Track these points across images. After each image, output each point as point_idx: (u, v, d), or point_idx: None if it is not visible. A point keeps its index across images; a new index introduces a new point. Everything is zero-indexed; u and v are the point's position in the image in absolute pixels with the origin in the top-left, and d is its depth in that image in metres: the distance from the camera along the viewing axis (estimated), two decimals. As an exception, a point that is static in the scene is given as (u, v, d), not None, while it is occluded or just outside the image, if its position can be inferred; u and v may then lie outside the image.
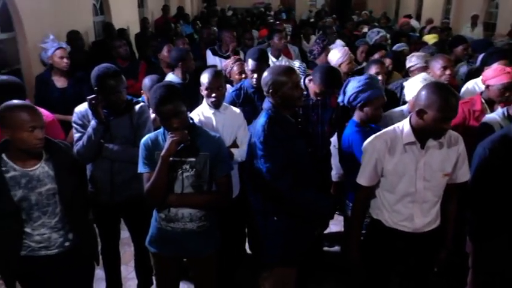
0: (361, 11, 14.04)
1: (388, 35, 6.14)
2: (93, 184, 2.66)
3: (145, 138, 2.26)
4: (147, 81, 3.18)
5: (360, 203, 2.26)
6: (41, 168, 2.08)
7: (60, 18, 5.17)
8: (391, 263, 2.25)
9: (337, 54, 3.93)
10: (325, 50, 4.30)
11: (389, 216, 2.18)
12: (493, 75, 2.96)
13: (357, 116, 2.62)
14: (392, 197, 2.14)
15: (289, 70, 2.34)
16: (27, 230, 2.10)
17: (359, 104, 2.56)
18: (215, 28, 6.88)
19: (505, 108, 2.70)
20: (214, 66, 4.94)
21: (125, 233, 3.01)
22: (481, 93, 3.09)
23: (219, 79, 2.78)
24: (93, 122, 2.48)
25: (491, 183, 2.15)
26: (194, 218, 2.24)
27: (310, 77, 3.06)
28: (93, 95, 2.46)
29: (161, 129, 2.24)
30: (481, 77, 3.13)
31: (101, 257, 2.70)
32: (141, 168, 2.24)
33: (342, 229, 3.42)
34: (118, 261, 2.99)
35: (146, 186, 2.18)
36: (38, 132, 1.99)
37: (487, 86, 3.00)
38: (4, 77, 2.71)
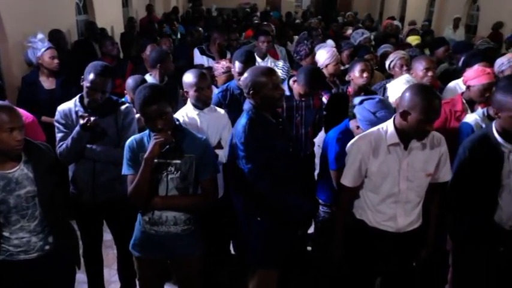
0: (346, 13, 14.13)
1: (372, 36, 6.20)
2: (75, 185, 2.62)
3: (130, 140, 2.24)
4: (130, 81, 3.14)
5: (344, 203, 2.27)
6: (20, 171, 2.03)
7: (42, 17, 5.07)
8: (373, 263, 2.27)
9: (324, 55, 3.95)
10: (312, 51, 4.31)
11: (373, 216, 2.19)
12: (474, 76, 3.01)
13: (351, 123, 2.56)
14: (376, 198, 2.16)
15: (269, 71, 2.36)
16: (5, 234, 2.05)
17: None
18: (201, 29, 6.86)
19: (485, 109, 2.74)
20: (201, 65, 4.93)
21: (107, 235, 2.97)
22: (462, 93, 3.14)
23: (207, 79, 2.79)
24: (78, 128, 2.45)
25: (471, 183, 2.18)
26: (178, 221, 2.22)
27: (295, 78, 3.07)
28: (87, 116, 2.41)
29: (147, 131, 2.21)
30: (462, 78, 3.18)
31: (82, 260, 2.65)
32: (125, 170, 2.21)
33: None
34: (100, 265, 2.94)
35: (130, 188, 2.16)
36: (16, 133, 1.94)
37: (468, 87, 3.04)
38: (-18, 78, 2.65)
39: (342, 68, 4.59)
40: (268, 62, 4.97)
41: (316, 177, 3.40)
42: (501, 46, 7.16)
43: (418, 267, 2.31)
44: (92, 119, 2.42)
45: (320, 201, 2.78)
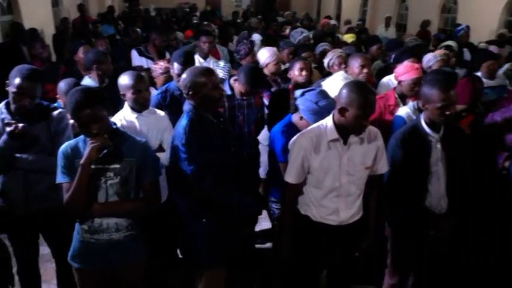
0: (285, 12, 14.39)
1: (311, 35, 6.36)
2: (5, 197, 2.44)
3: (65, 146, 2.13)
4: (62, 85, 2.98)
5: (289, 200, 2.30)
6: None
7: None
8: (319, 257, 2.33)
9: (265, 54, 3.98)
10: (252, 50, 4.34)
11: (317, 211, 2.25)
12: (404, 71, 3.19)
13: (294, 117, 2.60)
14: (319, 193, 2.22)
15: (208, 71, 2.36)
16: None
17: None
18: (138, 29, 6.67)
19: (415, 102, 2.90)
20: (140, 67, 4.80)
21: (44, 249, 2.80)
22: (395, 88, 3.31)
23: (145, 80, 2.72)
24: (5, 137, 2.28)
25: (404, 171, 2.31)
26: (120, 227, 2.15)
27: (235, 77, 3.08)
28: (14, 123, 2.25)
29: (82, 136, 2.11)
30: (394, 74, 3.36)
31: (17, 278, 2.48)
32: (60, 178, 2.10)
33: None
34: (38, 280, 2.77)
35: (66, 196, 2.06)
36: None
37: (399, 82, 3.22)
38: None
39: (283, 66, 4.69)
40: (210, 63, 4.94)
41: (266, 176, 3.45)
42: (429, 43, 7.63)
43: (361, 257, 2.40)
44: (20, 126, 2.27)
45: (273, 199, 2.79)
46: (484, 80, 3.78)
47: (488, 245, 2.79)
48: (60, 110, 2.54)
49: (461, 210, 2.41)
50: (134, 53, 5.12)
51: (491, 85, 3.91)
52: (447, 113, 2.19)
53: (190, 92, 2.26)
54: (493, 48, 5.08)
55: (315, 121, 2.29)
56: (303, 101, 2.45)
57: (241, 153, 2.66)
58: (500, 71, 4.50)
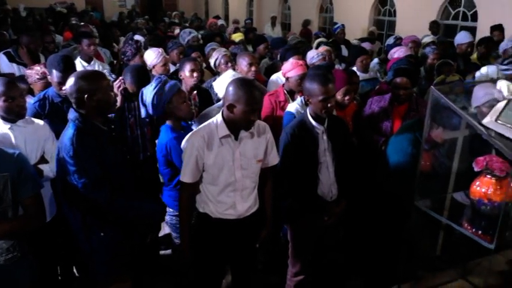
0: (172, 12, 14.17)
1: (200, 35, 6.35)
2: None
3: None
4: None
5: (186, 200, 2.28)
6: None
7: None
8: (221, 253, 2.35)
9: (151, 55, 3.86)
10: (139, 51, 4.18)
11: (215, 207, 2.26)
12: (290, 68, 3.36)
13: (168, 121, 2.55)
14: (215, 189, 2.23)
15: (98, 75, 2.24)
16: None
17: (164, 106, 2.49)
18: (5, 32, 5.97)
19: (302, 97, 3.07)
20: (12, 74, 4.30)
21: None
22: (283, 85, 3.47)
23: (17, 86, 2.44)
24: None
25: (296, 164, 2.44)
26: (0, 250, 1.91)
27: (122, 78, 2.94)
28: None
29: None
30: (281, 71, 3.52)
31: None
32: None
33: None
34: None
35: None
36: None
37: (287, 78, 3.39)
38: None
39: (174, 67, 4.61)
40: (96, 66, 4.67)
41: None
42: (310, 41, 8.18)
43: (261, 248, 2.47)
44: None
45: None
46: (359, 73, 4.17)
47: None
48: None
49: (350, 195, 2.63)
50: (3, 58, 4.58)
51: (365, 78, 4.33)
52: (328, 105, 2.36)
53: (81, 98, 2.10)
54: (365, 45, 5.62)
55: None
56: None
57: (137, 158, 2.55)
58: (372, 65, 5.02)
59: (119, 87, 2.96)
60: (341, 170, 2.54)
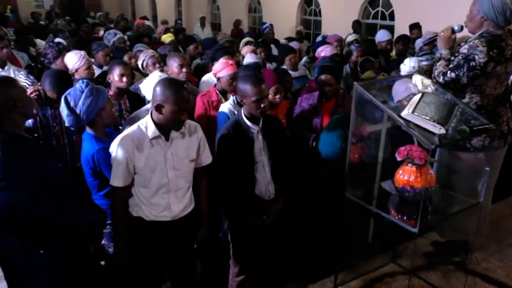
0: (96, 13, 13.54)
1: (126, 37, 6.14)
2: None
3: None
4: None
5: (119, 205, 2.20)
6: None
7: None
8: (158, 256, 2.29)
9: (73, 59, 3.64)
10: (61, 54, 3.94)
11: (149, 210, 2.21)
12: (221, 68, 3.36)
13: (91, 128, 2.42)
14: (148, 191, 2.18)
15: (12, 80, 2.07)
16: None
17: (97, 112, 2.38)
18: None
19: (234, 96, 3.09)
20: None
21: None
22: (215, 85, 3.46)
23: None
24: None
25: (232, 164, 2.44)
26: None
27: (39, 84, 2.76)
28: None
29: None
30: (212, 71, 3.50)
31: None
32: None
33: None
34: None
35: None
36: None
37: (218, 78, 3.38)
38: None
39: (100, 70, 4.40)
40: (10, 71, 4.33)
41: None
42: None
43: (199, 248, 2.45)
44: None
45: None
46: (290, 72, 4.27)
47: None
48: None
49: (287, 193, 2.68)
50: None
51: (295, 76, 4.45)
52: (262, 105, 2.39)
53: (4, 107, 1.91)
54: (293, 44, 5.78)
55: None
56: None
57: (68, 167, 2.38)
58: (302, 63, 5.18)
59: (32, 93, 2.77)
60: (277, 169, 2.59)
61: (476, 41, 2.40)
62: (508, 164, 2.96)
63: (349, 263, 2.92)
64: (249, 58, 4.39)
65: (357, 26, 7.79)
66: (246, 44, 5.61)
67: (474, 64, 2.38)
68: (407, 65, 3.71)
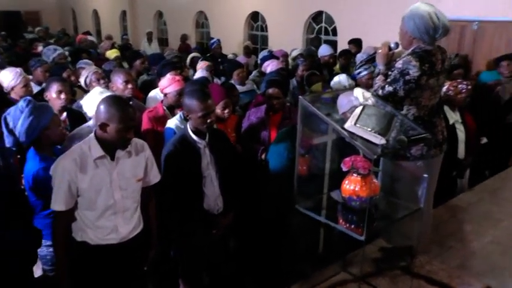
0: (35, 27, 12.94)
1: (67, 52, 5.90)
2: None
3: None
4: None
5: (61, 230, 2.08)
6: None
7: None
8: (107, 282, 2.19)
9: (8, 76, 3.45)
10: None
11: (94, 233, 2.11)
12: (167, 84, 3.32)
13: (36, 147, 2.33)
14: (93, 214, 2.09)
15: None
16: None
17: (40, 132, 2.29)
18: None
19: (181, 112, 3.05)
20: None
21: None
22: (162, 101, 3.41)
23: None
24: None
25: (179, 179, 2.40)
26: None
27: None
28: None
29: None
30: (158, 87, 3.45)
31: None
32: None
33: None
34: None
35: None
36: None
37: (165, 94, 3.34)
38: None
39: (40, 87, 4.19)
40: None
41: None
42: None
43: (150, 269, 2.37)
44: None
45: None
46: (237, 86, 4.30)
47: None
48: None
49: (236, 206, 2.67)
50: None
51: (243, 90, 4.49)
52: (208, 120, 2.38)
53: None
54: (240, 59, 5.85)
55: None
56: None
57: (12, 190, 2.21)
58: (252, 77, 5.24)
59: None
60: (226, 182, 2.57)
61: (409, 56, 2.54)
62: (445, 171, 3.14)
63: (301, 274, 2.94)
64: (199, 73, 4.38)
65: (316, 42, 7.74)
66: (192, 59, 5.59)
67: (409, 78, 2.52)
68: (337, 81, 4.09)
